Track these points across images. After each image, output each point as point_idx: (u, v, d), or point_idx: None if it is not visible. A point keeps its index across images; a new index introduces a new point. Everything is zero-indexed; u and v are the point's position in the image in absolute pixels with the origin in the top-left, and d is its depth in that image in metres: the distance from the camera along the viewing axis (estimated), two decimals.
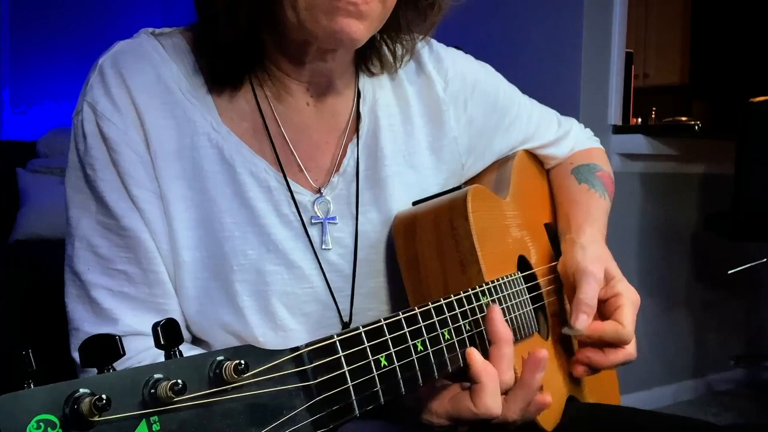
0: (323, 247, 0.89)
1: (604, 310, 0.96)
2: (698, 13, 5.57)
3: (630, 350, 0.95)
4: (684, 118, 3.43)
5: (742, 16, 5.28)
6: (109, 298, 0.82)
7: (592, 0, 2.97)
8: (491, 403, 0.73)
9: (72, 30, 4.86)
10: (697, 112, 5.44)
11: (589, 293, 0.93)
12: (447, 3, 0.95)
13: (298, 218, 0.88)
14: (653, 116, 4.23)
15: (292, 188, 0.88)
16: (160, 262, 0.83)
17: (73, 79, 4.64)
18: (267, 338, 0.85)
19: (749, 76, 5.04)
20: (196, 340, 0.88)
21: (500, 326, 0.76)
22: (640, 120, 3.64)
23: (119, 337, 0.48)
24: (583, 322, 0.92)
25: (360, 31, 0.82)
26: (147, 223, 0.82)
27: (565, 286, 1.01)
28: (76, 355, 0.84)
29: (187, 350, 0.82)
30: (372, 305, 0.92)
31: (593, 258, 0.98)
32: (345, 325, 0.90)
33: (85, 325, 0.83)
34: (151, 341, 0.83)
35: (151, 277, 0.83)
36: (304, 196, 0.89)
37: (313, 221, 0.89)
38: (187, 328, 0.87)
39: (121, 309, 0.82)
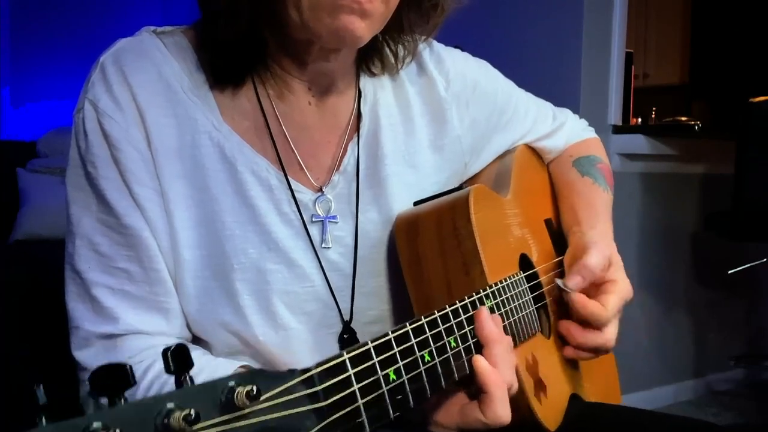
0: (323, 245, 0.89)
1: (594, 290, 0.97)
2: (698, 13, 5.58)
3: (608, 337, 0.95)
4: (684, 118, 3.42)
5: (742, 16, 5.28)
6: (109, 296, 0.82)
7: (592, 0, 2.97)
8: (501, 411, 0.72)
9: (72, 29, 4.86)
10: (697, 112, 5.45)
11: (594, 261, 0.95)
12: (450, 4, 0.95)
13: (299, 217, 0.88)
14: (653, 116, 4.23)
15: (292, 187, 0.88)
16: (161, 261, 0.83)
17: (73, 79, 4.63)
18: (267, 337, 0.85)
19: (749, 76, 5.04)
20: (196, 340, 0.88)
21: (487, 328, 0.75)
22: (640, 120, 3.65)
23: (130, 366, 0.47)
24: (577, 283, 0.94)
25: (362, 29, 0.82)
26: (148, 221, 0.82)
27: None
28: (77, 355, 0.84)
29: (191, 350, 0.82)
30: (372, 304, 0.92)
31: (603, 243, 1.00)
32: (345, 324, 0.90)
33: (86, 323, 0.83)
34: (153, 339, 0.83)
35: (152, 276, 0.83)
36: (305, 194, 0.89)
37: (313, 220, 0.89)
38: (188, 327, 0.87)
39: (121, 307, 0.82)
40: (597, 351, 0.97)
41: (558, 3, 3.03)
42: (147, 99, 0.83)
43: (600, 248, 0.98)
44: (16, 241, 3.66)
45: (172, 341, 0.84)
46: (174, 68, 0.86)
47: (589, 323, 0.95)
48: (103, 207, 0.82)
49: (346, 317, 0.90)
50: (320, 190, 0.91)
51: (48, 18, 4.84)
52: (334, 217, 0.90)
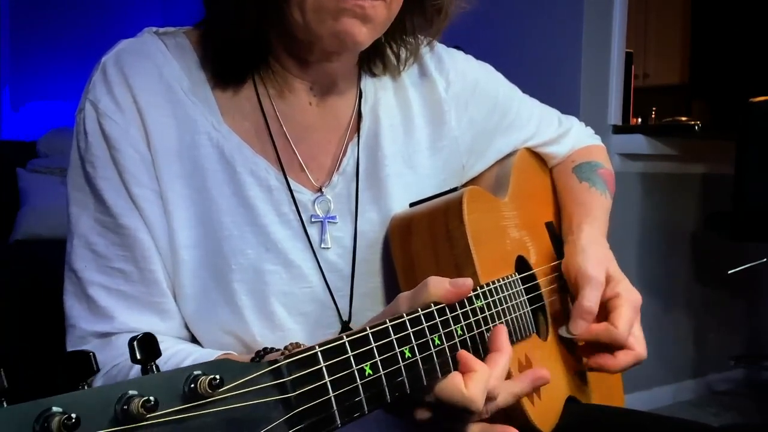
0: (322, 246, 0.89)
1: (603, 311, 0.96)
2: (698, 13, 5.57)
3: (639, 351, 0.95)
4: (684, 118, 3.43)
5: (742, 16, 5.28)
6: (105, 295, 0.83)
7: (592, 0, 2.97)
8: (480, 391, 0.69)
9: (72, 29, 4.87)
10: (697, 112, 5.45)
11: (591, 299, 0.94)
12: (454, 10, 0.95)
13: (298, 218, 0.88)
14: (653, 116, 4.23)
15: (292, 187, 0.88)
16: (157, 261, 0.84)
17: (73, 79, 4.64)
18: (265, 338, 0.85)
19: (749, 76, 5.04)
20: (194, 340, 0.88)
21: (503, 340, 0.74)
22: (640, 120, 3.64)
23: (93, 353, 0.48)
24: (581, 327, 0.93)
25: (363, 33, 0.83)
26: (146, 221, 0.83)
27: (569, 288, 1.01)
28: None
29: (195, 350, 0.82)
30: (370, 305, 0.92)
31: (594, 261, 0.98)
32: (345, 325, 0.90)
33: (81, 322, 0.84)
34: None
35: (148, 276, 0.83)
36: (305, 195, 0.89)
37: (312, 220, 0.89)
38: (186, 327, 0.87)
39: (117, 307, 0.83)
40: (636, 366, 0.96)
41: (558, 3, 3.03)
42: (147, 100, 0.83)
43: (592, 278, 0.95)
44: (16, 241, 3.66)
45: (167, 339, 0.85)
46: (175, 69, 0.86)
47: (611, 347, 0.94)
48: (100, 207, 0.83)
49: (345, 318, 0.90)
50: (320, 190, 0.91)
51: (48, 18, 4.83)
52: (333, 217, 0.90)
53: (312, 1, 0.81)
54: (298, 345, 0.75)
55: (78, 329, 0.84)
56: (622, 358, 0.94)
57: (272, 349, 0.77)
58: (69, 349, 0.84)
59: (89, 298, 0.83)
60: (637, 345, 0.95)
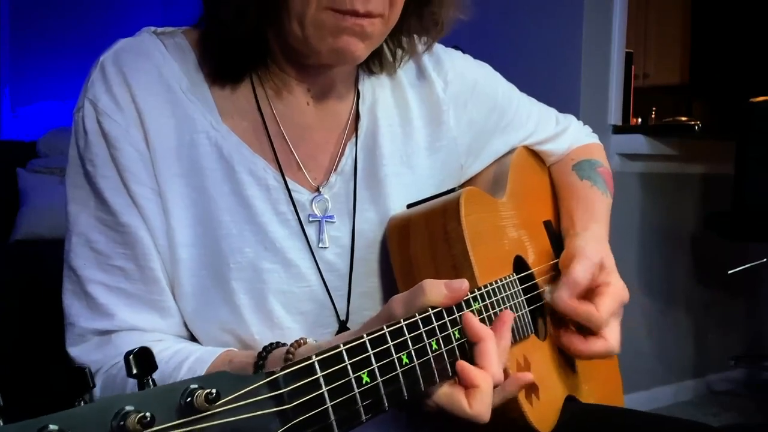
0: (320, 245, 0.89)
1: (588, 294, 0.96)
2: (698, 12, 5.57)
3: (612, 343, 0.95)
4: (684, 118, 3.43)
5: (742, 16, 5.28)
6: (104, 293, 0.83)
7: (592, 0, 2.97)
8: (487, 407, 0.70)
9: (72, 30, 4.86)
10: (697, 112, 5.44)
11: (580, 272, 0.94)
12: (450, 21, 0.96)
13: (296, 217, 0.88)
14: (653, 116, 4.23)
15: (290, 187, 0.88)
16: (157, 259, 0.84)
17: (73, 79, 4.63)
18: (263, 336, 0.85)
19: (749, 76, 5.04)
20: (194, 338, 0.88)
21: (474, 326, 0.72)
22: (640, 120, 3.64)
23: (89, 369, 0.48)
24: (562, 297, 0.93)
25: (361, 50, 0.84)
26: (145, 219, 0.83)
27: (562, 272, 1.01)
28: (71, 351, 0.85)
29: (196, 349, 0.82)
30: (368, 305, 0.92)
31: (593, 247, 0.99)
32: (342, 324, 0.90)
33: (80, 320, 0.84)
34: (147, 336, 0.84)
35: (148, 274, 0.84)
36: (302, 194, 0.89)
37: (310, 219, 0.89)
38: (185, 326, 0.87)
39: (116, 305, 0.83)
40: (604, 357, 0.96)
41: (558, 3, 3.03)
42: (146, 99, 0.83)
43: (586, 257, 0.96)
44: (16, 241, 3.66)
45: (167, 338, 0.85)
46: (173, 69, 0.86)
47: (586, 328, 0.94)
48: (100, 205, 0.83)
49: (343, 317, 0.90)
50: (317, 190, 0.91)
51: (48, 18, 4.83)
52: (331, 216, 0.91)
53: (312, 18, 0.81)
54: (304, 341, 0.75)
55: (77, 327, 0.84)
56: (593, 345, 0.94)
57: (278, 344, 0.77)
58: (68, 347, 0.84)
59: (88, 296, 0.83)
60: (611, 337, 0.95)
